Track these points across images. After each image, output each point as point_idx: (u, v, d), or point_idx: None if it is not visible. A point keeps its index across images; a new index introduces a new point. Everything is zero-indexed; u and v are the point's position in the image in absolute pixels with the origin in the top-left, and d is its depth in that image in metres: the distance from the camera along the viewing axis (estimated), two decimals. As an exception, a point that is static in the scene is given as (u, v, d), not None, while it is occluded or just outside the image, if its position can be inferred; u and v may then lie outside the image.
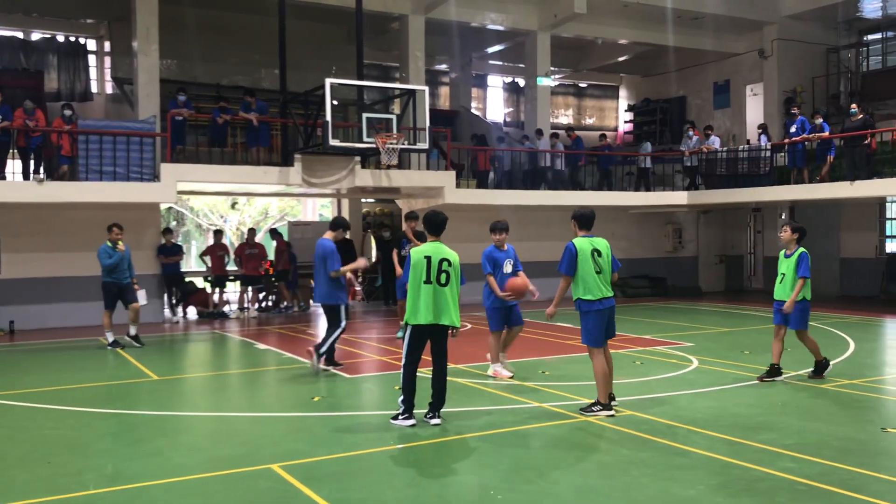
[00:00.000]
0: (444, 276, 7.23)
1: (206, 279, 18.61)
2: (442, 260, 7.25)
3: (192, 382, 10.40)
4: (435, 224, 7.49)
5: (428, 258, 7.22)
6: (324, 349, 10.02)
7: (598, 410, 7.65)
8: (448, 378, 7.54)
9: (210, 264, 17.66)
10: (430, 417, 7.38)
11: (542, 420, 7.54)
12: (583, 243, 7.72)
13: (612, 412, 7.62)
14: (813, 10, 21.80)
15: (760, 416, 7.65)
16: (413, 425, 7.22)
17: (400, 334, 11.88)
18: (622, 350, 11.90)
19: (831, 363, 9.67)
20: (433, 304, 7.19)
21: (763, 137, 19.79)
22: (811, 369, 9.48)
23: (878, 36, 23.66)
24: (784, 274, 9.20)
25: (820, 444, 6.61)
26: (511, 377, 9.59)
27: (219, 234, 18.59)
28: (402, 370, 7.37)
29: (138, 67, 16.39)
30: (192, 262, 34.86)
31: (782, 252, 9.38)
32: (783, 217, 22.14)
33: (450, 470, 6.01)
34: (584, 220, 7.92)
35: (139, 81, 16.44)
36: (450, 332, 7.35)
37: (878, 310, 17.25)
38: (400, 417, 7.31)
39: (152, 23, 16.31)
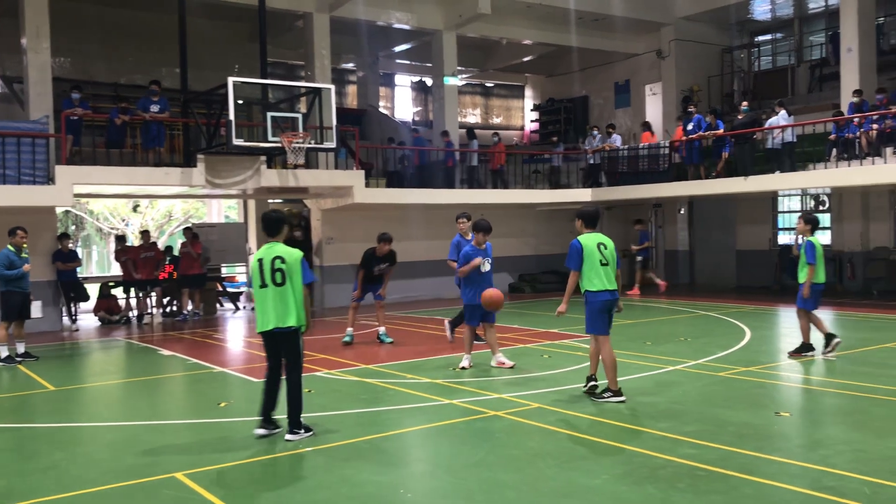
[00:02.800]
0: (278, 274, 6.81)
1: (110, 285, 18.00)
2: (275, 258, 6.84)
3: (91, 392, 10.02)
4: (267, 224, 7.10)
5: (260, 261, 6.87)
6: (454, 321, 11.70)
7: (609, 397, 7.95)
8: (359, 379, 7.49)
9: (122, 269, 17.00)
10: (288, 433, 6.88)
11: (453, 417, 7.58)
12: (587, 239, 8.00)
13: (622, 398, 7.90)
14: (707, 11, 22.63)
15: (662, 404, 7.90)
16: (311, 434, 6.90)
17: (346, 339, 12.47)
18: (530, 344, 12.10)
19: (814, 350, 10.46)
20: (273, 308, 6.82)
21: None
22: (794, 349, 10.52)
23: (768, 37, 24.78)
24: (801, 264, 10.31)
25: (718, 429, 6.86)
26: (513, 366, 9.91)
27: (121, 239, 17.94)
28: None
29: (28, 65, 15.68)
30: (92, 268, 33.69)
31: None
32: (682, 212, 22.92)
33: (360, 470, 5.97)
34: (588, 217, 8.16)
35: (30, 80, 15.72)
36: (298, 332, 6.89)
37: (771, 299, 18.04)
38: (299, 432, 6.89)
39: (42, 19, 15.62)
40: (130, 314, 17.52)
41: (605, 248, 8.00)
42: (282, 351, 6.95)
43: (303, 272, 6.87)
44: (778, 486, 5.35)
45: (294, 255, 6.90)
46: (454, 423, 7.37)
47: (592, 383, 8.27)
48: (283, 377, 6.93)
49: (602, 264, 7.94)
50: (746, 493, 5.28)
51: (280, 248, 6.93)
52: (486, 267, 9.82)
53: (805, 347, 10.39)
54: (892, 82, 18.32)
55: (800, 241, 10.43)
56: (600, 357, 8.12)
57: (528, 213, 22.53)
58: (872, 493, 5.19)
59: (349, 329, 12.79)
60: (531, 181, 22.92)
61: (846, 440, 6.56)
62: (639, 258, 19.67)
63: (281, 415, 7.02)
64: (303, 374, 7.07)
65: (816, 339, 10.52)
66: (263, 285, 6.85)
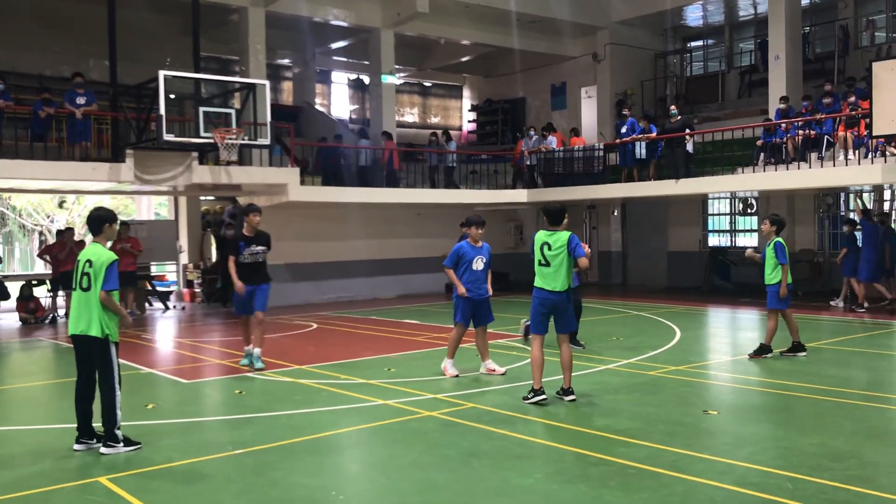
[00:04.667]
0: (85, 278, 6.38)
1: (32, 283, 17.39)
2: (86, 261, 6.44)
3: (11, 394, 9.64)
4: (89, 221, 6.68)
5: (77, 262, 6.52)
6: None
7: (532, 397, 7.88)
8: (291, 380, 7.36)
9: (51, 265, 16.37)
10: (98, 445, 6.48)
11: (387, 417, 7.53)
12: (539, 236, 8.00)
13: (543, 397, 7.83)
14: (642, 16, 23.00)
15: (595, 403, 7.98)
16: (134, 449, 6.49)
17: (244, 362, 10.37)
18: (467, 344, 12.08)
19: (772, 352, 10.45)
20: (77, 313, 6.44)
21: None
22: (782, 349, 10.56)
23: (700, 43, 25.35)
24: (767, 262, 10.34)
25: (649, 428, 6.96)
26: (456, 376, 9.40)
27: (62, 232, 17.27)
28: None
29: (-53, 54, 15.05)
30: (15, 266, 32.54)
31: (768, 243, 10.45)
32: (615, 213, 23.27)
33: (291, 473, 5.87)
34: (548, 214, 8.05)
35: (-52, 69, 15.09)
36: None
37: (701, 300, 18.45)
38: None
39: (-37, 6, 15.02)
40: (56, 313, 16.96)
41: (550, 248, 7.85)
42: (92, 360, 6.50)
43: (106, 278, 6.32)
44: (705, 483, 5.45)
45: (103, 257, 6.38)
46: (388, 423, 7.32)
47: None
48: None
49: (540, 264, 7.90)
50: (676, 490, 5.36)
51: (92, 249, 6.48)
52: (479, 265, 9.35)
53: (764, 349, 10.41)
54: (818, 90, 18.92)
55: (767, 243, 10.40)
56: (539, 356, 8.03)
57: (464, 213, 22.53)
58: (795, 488, 5.32)
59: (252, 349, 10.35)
60: (469, 182, 22.98)
61: (771, 437, 6.73)
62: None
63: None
64: (119, 387, 6.53)
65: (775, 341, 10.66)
66: (74, 288, 6.49)
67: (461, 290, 9.23)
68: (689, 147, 18.05)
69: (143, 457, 6.33)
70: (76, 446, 6.55)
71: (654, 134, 18.86)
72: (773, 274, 10.26)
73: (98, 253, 6.44)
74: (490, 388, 8.83)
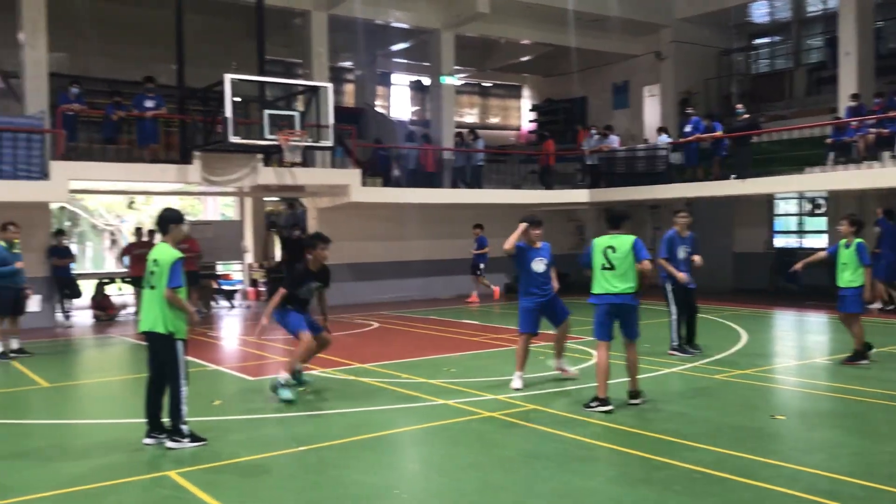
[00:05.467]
0: (152, 277, 6.56)
1: (104, 282, 17.94)
2: (153, 260, 6.60)
3: (85, 389, 9.98)
4: (158, 222, 6.85)
5: (146, 262, 6.68)
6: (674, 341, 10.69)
7: (595, 406, 7.63)
8: (353, 378, 7.43)
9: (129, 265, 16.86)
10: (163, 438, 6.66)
11: (447, 417, 7.55)
12: (600, 241, 7.84)
13: (609, 408, 7.54)
14: (706, 13, 22.59)
15: (658, 406, 7.86)
16: (199, 445, 6.61)
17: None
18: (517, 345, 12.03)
19: (869, 353, 10.07)
20: (146, 311, 6.62)
21: (664, 136, 20.43)
22: (847, 355, 10.10)
23: (766, 40, 24.78)
24: (845, 263, 9.87)
25: (714, 432, 6.84)
26: (577, 376, 9.13)
27: (140, 231, 17.74)
28: None
29: (25, 60, 15.59)
30: (87, 264, 33.58)
31: (842, 242, 10.01)
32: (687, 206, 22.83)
33: (352, 470, 5.94)
34: (610, 217, 8.01)
35: (26, 75, 15.64)
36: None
37: (767, 302, 18.02)
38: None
39: (39, 14, 15.54)
40: (125, 311, 17.46)
41: (615, 251, 7.67)
42: (161, 357, 6.66)
43: (171, 276, 6.47)
44: (774, 490, 5.33)
45: (167, 257, 6.51)
46: (448, 423, 7.34)
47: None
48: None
49: (604, 268, 7.72)
50: (743, 496, 5.26)
51: (159, 249, 6.64)
52: (541, 267, 8.81)
53: (859, 355, 9.96)
54: (890, 86, 18.31)
55: (847, 244, 9.91)
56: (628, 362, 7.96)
57: (524, 213, 22.45)
58: (868, 496, 5.17)
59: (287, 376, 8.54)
60: (530, 182, 22.88)
61: (842, 444, 6.54)
62: (481, 265, 19.07)
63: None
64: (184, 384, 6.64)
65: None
66: (143, 286, 6.71)
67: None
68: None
69: (209, 452, 6.48)
70: (146, 440, 6.72)
71: (718, 132, 18.51)
72: (855, 276, 9.82)
73: (164, 252, 6.59)
74: (551, 389, 8.78)
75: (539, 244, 8.88)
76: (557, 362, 9.31)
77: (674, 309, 10.81)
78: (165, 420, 6.73)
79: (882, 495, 5.21)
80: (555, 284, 8.96)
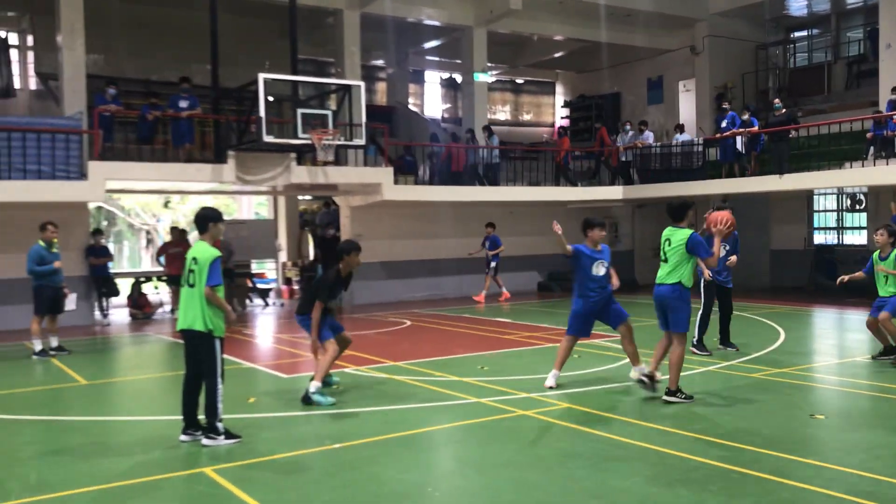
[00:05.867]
0: (191, 275, 6.59)
1: (141, 280, 18.18)
2: (192, 259, 6.64)
3: (122, 386, 10.11)
4: (196, 220, 6.92)
5: (185, 260, 6.73)
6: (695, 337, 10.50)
7: (681, 397, 7.81)
8: (387, 376, 7.43)
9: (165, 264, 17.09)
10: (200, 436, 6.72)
11: (481, 416, 7.52)
12: (665, 232, 8.08)
13: (683, 396, 7.80)
14: (741, 7, 22.27)
15: (694, 405, 7.76)
16: (234, 442, 6.65)
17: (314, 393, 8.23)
18: (559, 344, 11.96)
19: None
20: (185, 309, 6.67)
21: (678, 135, 20.31)
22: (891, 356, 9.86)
23: (804, 33, 24.36)
24: (886, 277, 9.73)
25: (751, 431, 6.73)
26: (553, 388, 8.54)
27: (175, 231, 17.95)
28: None
29: (63, 62, 15.86)
30: (124, 263, 34.07)
31: (876, 254, 9.90)
32: (725, 202, 22.53)
33: (386, 468, 5.94)
34: (669, 210, 8.13)
35: (64, 77, 15.91)
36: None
37: (806, 300, 17.74)
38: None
39: (77, 17, 15.79)
40: (162, 309, 17.69)
41: (670, 244, 7.87)
42: (198, 354, 6.71)
43: (210, 274, 6.50)
44: (813, 490, 5.23)
45: (206, 255, 6.55)
46: (482, 421, 7.31)
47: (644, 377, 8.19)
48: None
49: (661, 260, 7.97)
50: (782, 496, 5.16)
51: (198, 248, 6.68)
52: (601, 270, 8.50)
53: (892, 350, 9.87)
54: (932, 79, 17.91)
55: (882, 256, 9.79)
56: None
57: (557, 211, 22.35)
58: (913, 499, 5.05)
59: (319, 385, 8.27)
60: (561, 178, 22.74)
61: (884, 444, 6.40)
62: (493, 264, 18.67)
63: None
64: (221, 380, 6.69)
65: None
66: (181, 285, 6.74)
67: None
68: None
69: (245, 449, 6.52)
70: (182, 437, 6.78)
71: (755, 128, 18.25)
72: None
73: (203, 250, 6.63)
74: (585, 388, 8.71)
75: (600, 247, 8.63)
76: (636, 368, 8.59)
77: (705, 307, 10.70)
78: (201, 417, 6.78)
79: (927, 497, 5.09)
80: (615, 282, 8.71)
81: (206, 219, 6.83)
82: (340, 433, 6.96)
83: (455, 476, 6.02)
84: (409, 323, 15.28)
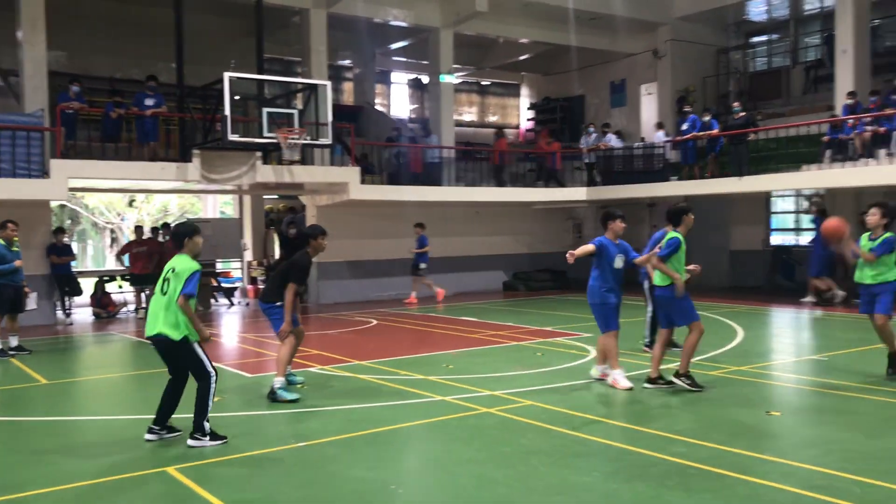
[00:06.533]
0: (166, 284, 6.62)
1: (104, 279, 17.97)
2: (170, 269, 6.67)
3: (84, 386, 10.03)
4: (172, 238, 7.01)
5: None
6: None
7: (685, 382, 8.34)
8: (352, 375, 7.48)
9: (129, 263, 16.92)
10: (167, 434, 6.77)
11: (445, 413, 7.60)
12: (667, 236, 8.55)
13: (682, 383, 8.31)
14: (703, 12, 22.62)
15: (654, 403, 7.93)
16: (220, 444, 6.60)
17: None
18: (524, 342, 12.12)
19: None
20: (153, 315, 6.67)
21: (660, 133, 20.53)
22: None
23: (763, 38, 24.82)
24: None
25: (710, 428, 6.89)
26: (630, 388, 8.42)
27: (140, 229, 17.81)
28: None
29: (24, 59, 15.61)
30: (88, 262, 33.62)
31: (865, 236, 8.85)
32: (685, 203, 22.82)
33: (350, 466, 5.99)
34: (667, 214, 8.71)
35: (25, 73, 15.67)
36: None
37: (764, 299, 18.08)
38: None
39: (38, 12, 15.56)
40: (126, 308, 17.52)
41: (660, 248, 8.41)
42: (176, 359, 6.71)
43: (186, 284, 6.50)
44: (769, 486, 5.38)
45: (186, 267, 6.59)
46: (446, 419, 7.39)
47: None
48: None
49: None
50: (738, 491, 5.30)
51: (177, 259, 6.69)
52: (619, 263, 8.54)
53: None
54: (886, 84, 18.36)
55: (872, 237, 8.75)
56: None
57: (523, 211, 22.56)
58: (863, 492, 5.22)
59: (282, 380, 8.36)
60: (527, 180, 22.94)
61: (836, 440, 6.59)
62: (422, 265, 18.51)
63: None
64: (214, 381, 6.66)
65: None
66: (154, 293, 6.78)
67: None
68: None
69: (209, 447, 6.52)
70: (147, 436, 6.74)
71: (715, 131, 18.57)
72: (883, 270, 8.67)
73: (183, 262, 6.65)
74: (548, 385, 8.82)
75: (617, 241, 8.67)
76: (598, 368, 8.90)
77: (651, 307, 10.80)
78: (175, 417, 6.76)
79: (876, 490, 5.26)
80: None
81: (181, 235, 6.84)
82: (305, 432, 7.00)
83: (418, 473, 6.09)
84: (375, 322, 15.32)
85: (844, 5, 18.91)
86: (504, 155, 21.71)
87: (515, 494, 5.37)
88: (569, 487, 5.46)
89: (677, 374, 8.36)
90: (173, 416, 6.83)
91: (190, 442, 6.57)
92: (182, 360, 6.68)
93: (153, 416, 6.83)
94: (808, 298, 16.87)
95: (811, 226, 17.41)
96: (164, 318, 6.56)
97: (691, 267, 8.59)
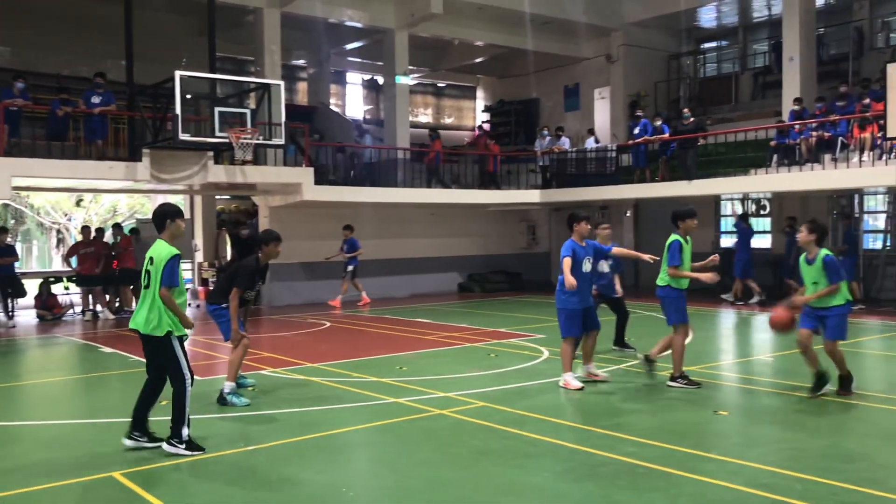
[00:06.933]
0: (146, 276, 6.33)
1: (50, 280, 17.57)
2: (148, 259, 6.36)
3: (28, 390, 9.78)
4: (153, 218, 6.60)
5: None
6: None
7: (681, 382, 8.70)
8: (305, 378, 7.41)
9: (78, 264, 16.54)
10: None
11: (398, 415, 7.58)
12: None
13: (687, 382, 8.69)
14: (655, 17, 22.94)
15: (605, 403, 8.01)
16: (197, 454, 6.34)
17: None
18: (478, 343, 12.15)
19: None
20: (138, 308, 6.44)
21: (590, 140, 21.04)
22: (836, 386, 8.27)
23: (713, 45, 25.28)
24: (816, 283, 8.01)
25: (659, 428, 6.98)
26: (581, 388, 8.47)
27: (87, 230, 17.40)
28: None
29: (-34, 54, 15.22)
30: (33, 263, 32.84)
31: (802, 257, 8.21)
32: (628, 214, 23.21)
33: (301, 470, 5.94)
34: (672, 217, 9.21)
35: (-33, 69, 15.26)
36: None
37: (713, 301, 18.38)
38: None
39: (-19, 7, 15.19)
40: (72, 311, 17.13)
41: (665, 249, 8.90)
42: (158, 359, 6.48)
43: (165, 274, 6.23)
44: (716, 484, 5.47)
45: (162, 254, 6.27)
46: (399, 421, 7.37)
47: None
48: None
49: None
50: (685, 490, 5.38)
51: (156, 247, 6.38)
52: (587, 266, 8.49)
53: (848, 380, 8.24)
54: (832, 91, 18.84)
55: (809, 259, 8.13)
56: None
57: (477, 213, 22.62)
58: (805, 489, 5.33)
59: (233, 384, 8.25)
60: (468, 181, 22.98)
61: (782, 438, 6.73)
62: (350, 267, 18.03)
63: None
64: (189, 383, 6.46)
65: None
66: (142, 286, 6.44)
67: (569, 281, 8.08)
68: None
69: (156, 452, 6.39)
70: (126, 441, 6.45)
71: (666, 135, 18.86)
72: (833, 296, 7.93)
73: (159, 249, 6.34)
74: (501, 386, 8.86)
75: (584, 242, 8.59)
76: (586, 367, 9.00)
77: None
78: (152, 420, 6.60)
79: (817, 487, 5.38)
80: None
81: (164, 216, 6.48)
82: (255, 435, 6.92)
83: (370, 476, 6.06)
84: (328, 324, 15.22)
85: (791, 14, 19.37)
86: (440, 155, 21.68)
87: (466, 496, 5.37)
88: (519, 488, 5.48)
89: (673, 378, 8.72)
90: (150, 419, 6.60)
91: (165, 447, 6.33)
92: (161, 357, 6.43)
93: (129, 420, 6.54)
94: (728, 296, 17.82)
95: (733, 230, 18.83)
96: (145, 315, 6.32)
97: (710, 258, 9.28)
